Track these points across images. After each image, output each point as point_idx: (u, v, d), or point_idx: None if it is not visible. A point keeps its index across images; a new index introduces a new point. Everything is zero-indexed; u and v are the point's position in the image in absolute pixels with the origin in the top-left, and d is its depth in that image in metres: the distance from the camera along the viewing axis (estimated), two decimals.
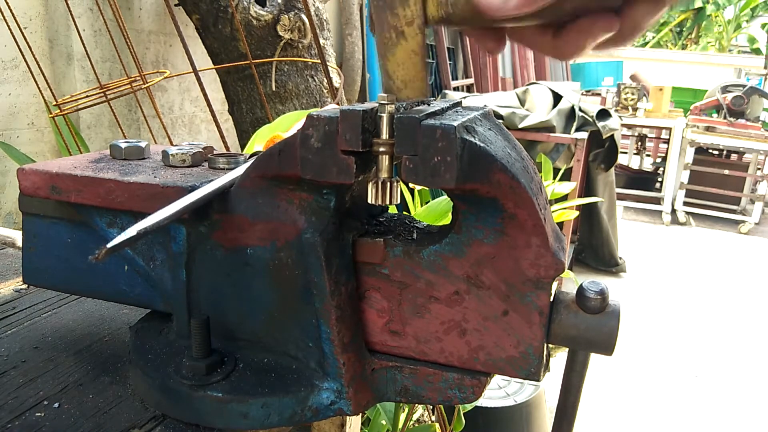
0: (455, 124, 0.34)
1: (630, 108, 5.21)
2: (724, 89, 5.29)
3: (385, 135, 0.35)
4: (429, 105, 0.40)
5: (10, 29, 1.33)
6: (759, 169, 5.15)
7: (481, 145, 0.35)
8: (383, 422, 1.20)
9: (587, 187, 3.45)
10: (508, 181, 0.35)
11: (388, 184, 0.35)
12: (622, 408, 2.34)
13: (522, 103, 3.16)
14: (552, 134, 2.94)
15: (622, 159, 5.51)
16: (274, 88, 1.82)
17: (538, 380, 0.40)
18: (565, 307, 0.39)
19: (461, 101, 0.42)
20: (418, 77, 0.38)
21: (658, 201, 5.33)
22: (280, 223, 0.41)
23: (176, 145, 0.53)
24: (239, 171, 0.43)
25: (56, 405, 0.44)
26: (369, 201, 0.36)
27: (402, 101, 0.38)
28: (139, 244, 0.48)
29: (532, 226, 0.37)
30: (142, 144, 0.52)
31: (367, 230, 0.43)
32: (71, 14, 1.45)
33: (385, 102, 0.35)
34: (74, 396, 0.45)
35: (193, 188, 0.43)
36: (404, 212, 0.43)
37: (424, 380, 0.42)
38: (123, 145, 0.52)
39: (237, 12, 1.72)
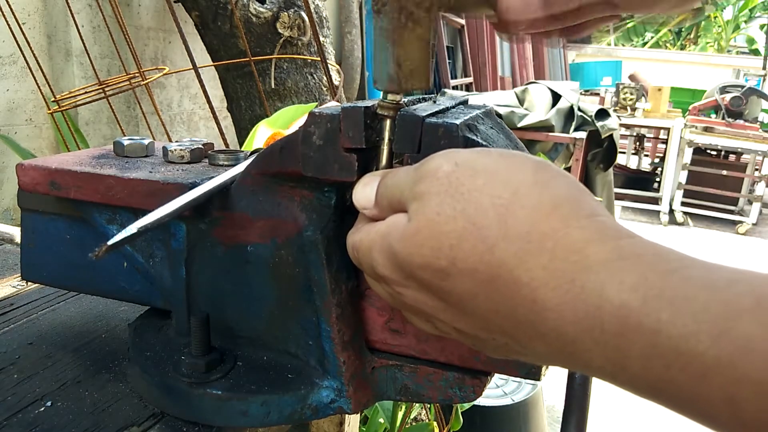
0: (457, 122, 0.34)
1: (628, 108, 5.21)
2: (723, 90, 5.29)
3: (387, 132, 0.35)
4: (435, 102, 0.40)
5: (8, 25, 1.32)
6: (757, 169, 5.16)
7: (483, 143, 0.35)
8: (381, 420, 1.20)
9: (585, 187, 3.45)
10: None
11: None
12: (621, 407, 2.34)
13: (521, 102, 3.16)
14: (551, 134, 2.94)
15: (620, 159, 5.52)
16: (273, 86, 1.81)
17: (538, 379, 0.40)
18: None
19: (467, 99, 0.42)
20: (424, 66, 0.36)
21: (656, 201, 5.33)
22: (281, 220, 0.41)
23: (176, 141, 0.53)
24: (240, 168, 0.43)
25: (54, 402, 0.44)
26: None
27: (406, 90, 0.37)
28: (138, 241, 0.48)
29: None
30: (145, 141, 0.52)
31: None
32: (70, 10, 1.45)
33: (388, 99, 0.35)
34: (72, 393, 0.45)
35: (193, 185, 0.43)
36: None
37: (425, 379, 0.42)
38: (125, 142, 0.51)
39: (236, 9, 1.71)
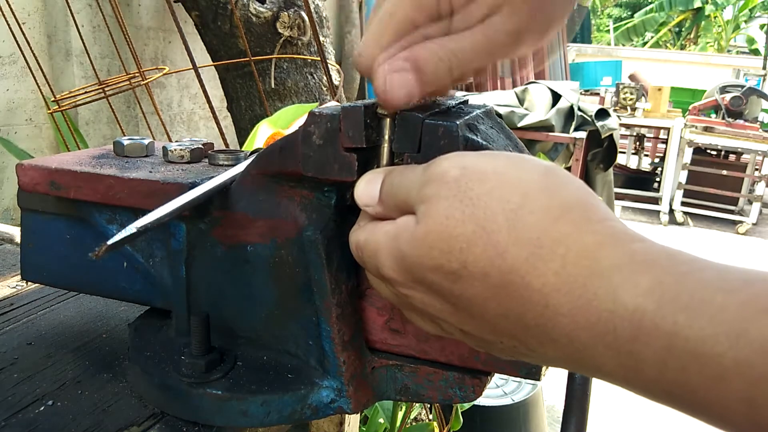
0: (458, 122, 0.34)
1: (628, 108, 5.21)
2: (723, 90, 5.29)
3: (387, 132, 0.35)
4: (435, 102, 0.39)
5: (8, 24, 1.32)
6: (757, 169, 5.16)
7: (484, 143, 0.35)
8: (381, 420, 1.20)
9: None
10: None
11: None
12: (620, 407, 2.34)
13: (521, 102, 3.16)
14: (551, 133, 2.94)
15: (620, 159, 5.51)
16: (273, 86, 1.81)
17: (538, 379, 0.40)
18: None
19: (468, 100, 0.42)
20: None
21: (656, 201, 5.33)
22: (281, 220, 0.41)
23: (176, 141, 0.53)
24: (240, 168, 0.43)
25: (54, 402, 0.44)
26: None
27: None
28: (138, 241, 0.47)
29: None
30: (145, 141, 0.52)
31: None
32: (70, 10, 1.45)
33: None
34: (72, 393, 0.45)
35: (193, 185, 0.43)
36: None
37: (425, 379, 0.42)
38: (125, 142, 0.51)
39: (236, 9, 1.71)
